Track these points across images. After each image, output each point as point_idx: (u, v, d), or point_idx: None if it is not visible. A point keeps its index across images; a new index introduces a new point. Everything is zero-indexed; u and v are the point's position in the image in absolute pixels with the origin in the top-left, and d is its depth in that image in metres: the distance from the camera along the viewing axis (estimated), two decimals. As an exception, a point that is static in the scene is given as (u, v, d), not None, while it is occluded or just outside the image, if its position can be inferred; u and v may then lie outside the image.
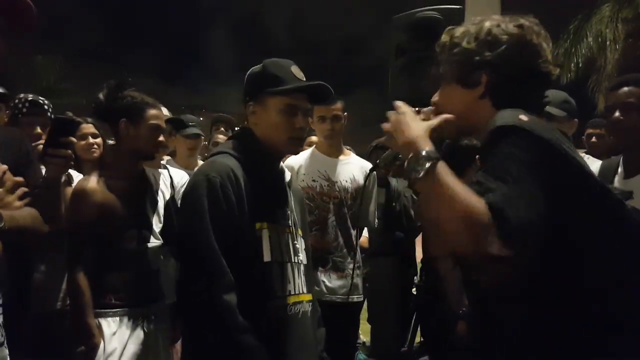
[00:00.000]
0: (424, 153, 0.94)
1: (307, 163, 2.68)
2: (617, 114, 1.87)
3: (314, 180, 2.63)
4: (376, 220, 2.82)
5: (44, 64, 15.07)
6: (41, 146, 1.43)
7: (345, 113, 2.67)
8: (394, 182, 3.43)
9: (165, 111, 2.45)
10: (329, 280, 2.55)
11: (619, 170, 1.94)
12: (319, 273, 2.54)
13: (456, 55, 1.10)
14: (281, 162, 1.61)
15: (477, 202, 0.86)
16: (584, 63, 10.35)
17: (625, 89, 1.89)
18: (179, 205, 1.51)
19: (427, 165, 0.92)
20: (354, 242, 2.65)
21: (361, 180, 2.66)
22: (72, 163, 1.48)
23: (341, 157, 2.72)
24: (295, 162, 2.73)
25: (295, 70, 1.48)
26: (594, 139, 3.29)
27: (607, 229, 0.95)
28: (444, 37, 1.14)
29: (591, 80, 10.31)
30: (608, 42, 9.91)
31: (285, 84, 1.43)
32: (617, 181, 1.92)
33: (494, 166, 0.92)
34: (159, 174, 2.40)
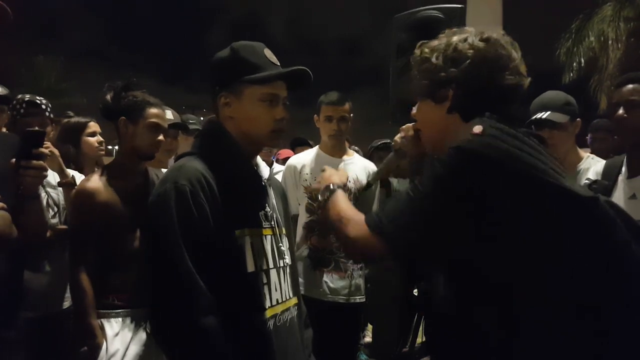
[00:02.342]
0: (330, 186, 1.27)
1: (311, 163, 2.68)
2: (620, 111, 1.85)
3: (317, 180, 2.62)
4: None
5: (44, 64, 15.09)
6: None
7: (352, 114, 2.68)
8: (395, 182, 3.43)
9: (170, 114, 2.45)
10: (331, 281, 2.54)
11: (623, 169, 1.93)
12: (321, 274, 2.53)
13: (425, 71, 1.14)
14: (258, 157, 1.46)
15: (356, 219, 1.10)
16: (586, 62, 10.34)
17: (630, 86, 1.87)
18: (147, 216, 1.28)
19: (327, 193, 1.26)
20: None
21: (364, 181, 2.66)
22: (46, 174, 1.45)
23: (345, 157, 2.71)
24: (298, 162, 2.73)
25: (269, 53, 1.31)
26: (597, 143, 3.29)
27: (567, 229, 0.95)
28: (416, 52, 1.17)
29: (593, 79, 10.30)
30: (610, 41, 9.90)
31: (262, 71, 1.27)
32: (620, 180, 1.91)
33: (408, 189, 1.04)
34: (162, 174, 2.40)
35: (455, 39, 1.11)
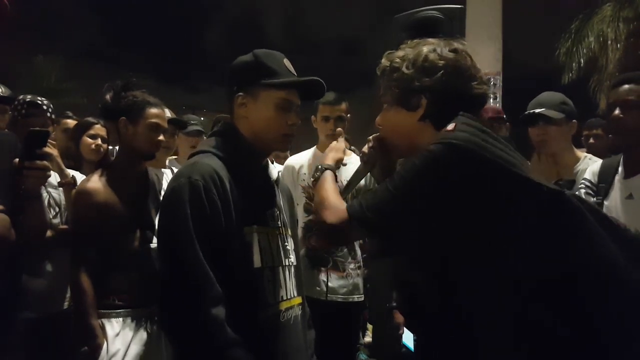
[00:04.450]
0: (319, 166, 1.34)
1: (308, 163, 2.68)
2: (617, 111, 1.85)
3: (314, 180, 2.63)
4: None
5: (44, 64, 15.06)
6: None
7: (349, 114, 2.68)
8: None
9: (167, 112, 2.45)
10: (329, 280, 2.55)
11: (620, 169, 1.93)
12: (319, 273, 2.54)
13: (396, 80, 1.17)
14: (269, 159, 1.50)
15: (338, 203, 1.15)
16: (586, 62, 10.34)
17: (626, 86, 1.87)
18: (160, 210, 1.37)
19: (317, 174, 1.33)
20: (355, 242, 2.65)
21: (362, 181, 2.66)
22: (49, 174, 1.46)
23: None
24: (296, 162, 2.73)
25: (287, 63, 1.38)
26: (591, 140, 3.28)
27: (538, 223, 0.97)
28: (384, 61, 1.20)
29: (593, 79, 10.30)
30: (609, 42, 9.90)
31: (280, 77, 1.33)
32: (617, 180, 1.91)
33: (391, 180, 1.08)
34: (162, 173, 2.40)
35: (425, 49, 1.15)
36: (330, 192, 1.21)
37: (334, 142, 1.47)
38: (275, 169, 1.51)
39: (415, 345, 2.05)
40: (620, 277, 0.95)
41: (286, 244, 1.41)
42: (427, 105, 1.14)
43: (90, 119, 2.67)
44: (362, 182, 2.67)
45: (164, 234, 1.29)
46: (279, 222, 1.41)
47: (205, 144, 1.41)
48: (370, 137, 1.32)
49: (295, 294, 1.41)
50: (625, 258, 0.96)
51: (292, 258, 1.43)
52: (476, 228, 0.99)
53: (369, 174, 1.44)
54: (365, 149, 1.35)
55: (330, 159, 1.39)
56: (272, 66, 1.35)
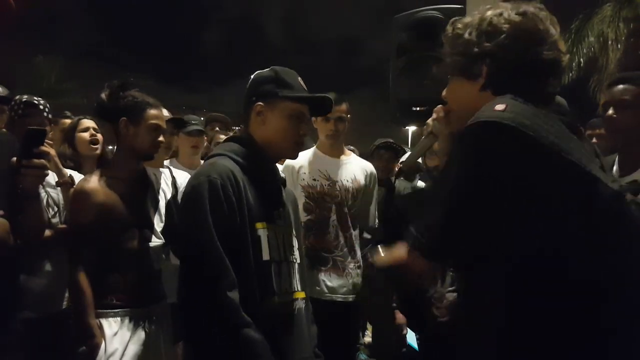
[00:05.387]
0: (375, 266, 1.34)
1: (308, 162, 2.68)
2: (610, 111, 1.85)
3: (314, 180, 2.63)
4: (376, 221, 2.82)
5: (44, 64, 15.07)
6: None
7: (349, 115, 2.68)
8: (397, 183, 3.42)
9: (165, 112, 2.45)
10: (329, 280, 2.55)
11: (614, 168, 1.93)
12: (319, 273, 2.54)
13: (458, 47, 1.09)
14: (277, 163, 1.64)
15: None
16: (586, 62, 10.33)
17: (620, 86, 1.87)
18: (180, 206, 1.55)
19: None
20: (355, 242, 2.65)
21: (362, 180, 2.66)
22: (47, 173, 1.46)
23: (342, 157, 2.72)
24: (296, 162, 2.72)
25: (301, 80, 1.55)
26: (594, 140, 3.27)
27: (598, 221, 0.90)
28: (448, 29, 1.13)
29: (593, 79, 10.29)
30: (610, 42, 9.89)
31: (296, 92, 1.50)
32: None
33: (440, 180, 1.05)
34: (160, 173, 2.40)
35: (489, 13, 1.06)
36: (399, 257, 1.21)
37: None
38: (282, 174, 1.65)
39: (419, 344, 2.05)
40: None
41: (290, 241, 1.53)
42: (488, 72, 1.04)
43: (79, 117, 2.67)
44: (362, 181, 2.69)
45: (185, 227, 1.42)
46: (285, 221, 1.54)
47: (221, 148, 1.56)
48: (436, 108, 1.26)
49: (299, 288, 1.53)
50: None
51: (296, 255, 1.56)
52: (515, 217, 0.90)
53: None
54: (429, 120, 1.32)
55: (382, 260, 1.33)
56: (289, 81, 1.51)
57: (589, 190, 0.89)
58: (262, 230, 1.42)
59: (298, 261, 1.57)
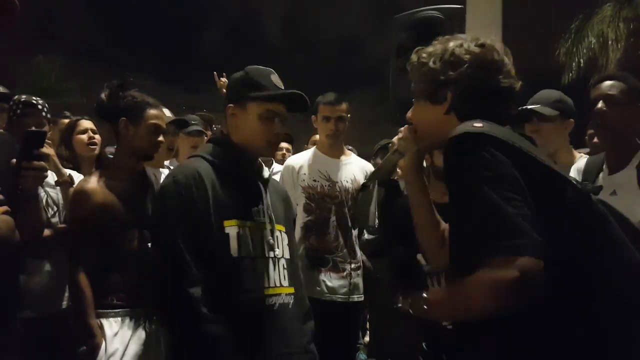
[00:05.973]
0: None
1: (308, 163, 2.68)
2: (600, 104, 1.87)
3: (314, 181, 2.63)
4: (376, 221, 2.82)
5: (44, 64, 15.06)
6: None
7: (349, 114, 2.68)
8: (402, 184, 3.42)
9: (167, 112, 2.45)
10: (329, 280, 2.55)
11: (604, 166, 1.95)
12: (319, 273, 2.54)
13: (424, 74, 1.20)
14: (260, 160, 1.64)
15: (462, 285, 0.94)
16: (586, 62, 10.34)
17: (608, 82, 1.90)
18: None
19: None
20: (355, 242, 2.65)
21: (362, 181, 2.66)
22: (47, 174, 1.47)
23: (342, 158, 2.72)
24: (296, 162, 2.73)
25: (275, 79, 1.55)
26: (595, 140, 3.27)
27: (572, 222, 0.96)
28: (413, 57, 1.24)
29: (593, 79, 10.30)
30: (610, 42, 9.90)
31: (266, 91, 1.51)
32: (601, 177, 1.93)
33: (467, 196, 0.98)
34: (160, 173, 2.40)
35: (451, 44, 1.17)
36: (446, 294, 1.11)
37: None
38: (266, 170, 1.64)
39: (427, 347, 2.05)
40: None
41: (270, 238, 1.53)
42: (453, 98, 1.16)
43: (73, 118, 2.66)
44: (362, 181, 2.69)
45: (153, 226, 1.55)
46: (264, 218, 1.54)
47: (200, 150, 1.63)
48: (402, 128, 1.37)
49: (284, 284, 1.53)
50: None
51: (279, 251, 1.56)
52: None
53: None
54: (395, 139, 1.41)
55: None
56: (260, 81, 1.52)
57: (571, 193, 0.97)
58: (231, 228, 1.44)
59: (285, 257, 1.57)
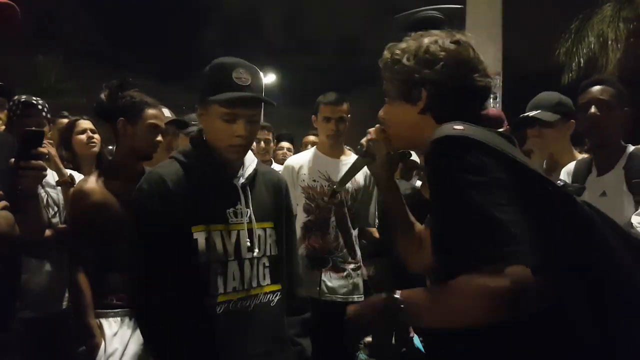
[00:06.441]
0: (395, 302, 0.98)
1: (308, 163, 2.68)
2: (593, 109, 1.88)
3: (314, 181, 2.63)
4: (376, 221, 2.82)
5: (44, 64, 15.07)
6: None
7: (349, 115, 2.68)
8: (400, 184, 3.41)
9: (167, 112, 2.45)
10: (329, 280, 2.55)
11: (592, 168, 1.97)
12: (319, 273, 2.53)
13: (397, 72, 1.14)
14: (249, 156, 1.55)
15: (452, 288, 0.89)
16: (586, 62, 10.35)
17: (598, 87, 1.92)
18: None
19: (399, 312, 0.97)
20: (355, 242, 2.64)
21: (362, 181, 2.66)
22: (46, 174, 1.47)
23: (342, 158, 2.72)
24: (296, 162, 2.73)
25: (238, 74, 1.40)
26: None
27: (562, 224, 0.91)
28: (385, 54, 1.17)
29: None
30: (610, 42, 9.91)
31: (224, 92, 1.38)
32: (590, 179, 1.95)
33: (455, 200, 0.93)
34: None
35: (426, 41, 1.12)
36: (432, 295, 0.98)
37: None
38: (250, 169, 1.54)
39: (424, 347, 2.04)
40: (633, 285, 0.90)
41: (247, 239, 1.48)
42: (428, 97, 1.10)
43: (72, 118, 2.66)
44: (362, 181, 2.69)
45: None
46: (244, 218, 1.48)
47: (177, 150, 1.59)
48: (370, 129, 1.30)
49: (264, 283, 1.50)
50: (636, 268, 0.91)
51: (258, 251, 1.49)
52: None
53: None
54: (364, 141, 1.35)
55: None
56: (217, 81, 1.40)
57: (555, 195, 0.92)
58: (199, 234, 1.40)
59: (269, 254, 1.52)
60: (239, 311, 1.43)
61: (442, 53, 1.09)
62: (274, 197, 1.60)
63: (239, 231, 1.46)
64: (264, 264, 1.51)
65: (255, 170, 1.55)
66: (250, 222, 1.49)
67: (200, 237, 1.40)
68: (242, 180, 1.51)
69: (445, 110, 1.07)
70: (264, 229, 1.53)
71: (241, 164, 1.53)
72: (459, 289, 0.88)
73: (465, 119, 1.02)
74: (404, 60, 1.12)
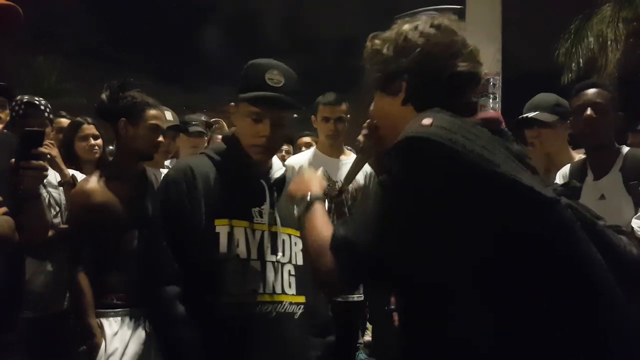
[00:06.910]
0: (308, 198, 1.13)
1: (308, 163, 2.69)
2: (589, 111, 1.88)
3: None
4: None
5: (44, 64, 15.06)
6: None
7: (349, 115, 2.68)
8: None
9: (169, 115, 2.46)
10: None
11: (588, 172, 1.97)
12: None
13: (377, 63, 1.08)
14: (273, 161, 1.54)
15: (326, 236, 0.98)
16: (585, 63, 10.34)
17: (593, 90, 1.93)
18: None
19: (303, 207, 1.12)
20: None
21: (361, 181, 2.67)
22: (47, 173, 1.46)
23: (342, 158, 2.72)
24: (296, 162, 2.74)
25: (270, 75, 1.40)
26: None
27: (517, 231, 0.85)
28: (367, 44, 1.11)
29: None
30: (609, 42, 9.90)
31: (255, 91, 1.39)
32: (586, 183, 1.94)
33: (369, 194, 0.96)
34: (160, 173, 2.40)
35: (406, 27, 1.04)
36: (326, 233, 1.01)
37: (307, 172, 1.32)
38: (279, 172, 1.53)
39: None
40: (604, 302, 0.85)
41: (270, 241, 1.43)
42: (407, 87, 1.03)
43: (79, 119, 2.67)
44: (362, 181, 2.70)
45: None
46: (269, 219, 1.45)
47: (209, 147, 1.61)
48: (365, 124, 1.23)
49: (286, 292, 1.42)
50: (618, 282, 0.85)
51: (282, 256, 1.44)
52: (452, 232, 0.87)
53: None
54: (360, 137, 1.29)
55: (317, 187, 1.20)
56: (251, 79, 1.41)
57: (517, 197, 0.85)
58: (222, 227, 1.36)
59: (295, 263, 1.46)
60: (258, 316, 1.36)
61: (420, 39, 1.02)
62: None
63: (263, 232, 1.43)
64: (289, 271, 1.45)
65: (284, 176, 1.53)
66: (275, 224, 1.46)
67: (222, 231, 1.37)
68: (270, 181, 1.50)
69: (426, 100, 1.00)
70: (289, 235, 1.48)
71: (270, 166, 1.52)
72: (310, 241, 1.04)
73: (448, 108, 0.96)
74: (384, 50, 1.05)
